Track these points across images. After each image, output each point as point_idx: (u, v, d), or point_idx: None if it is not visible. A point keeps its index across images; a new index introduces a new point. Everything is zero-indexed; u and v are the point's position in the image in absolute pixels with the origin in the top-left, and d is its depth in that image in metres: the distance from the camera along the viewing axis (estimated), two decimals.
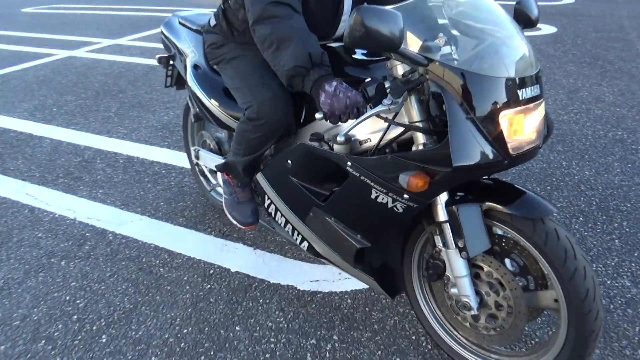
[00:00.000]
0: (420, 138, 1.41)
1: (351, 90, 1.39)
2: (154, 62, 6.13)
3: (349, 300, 2.02)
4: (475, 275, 1.51)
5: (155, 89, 4.98)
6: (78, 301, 2.09)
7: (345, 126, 1.61)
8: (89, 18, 9.74)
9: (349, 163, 1.50)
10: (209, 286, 2.14)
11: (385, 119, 1.42)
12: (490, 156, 1.27)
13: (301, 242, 1.88)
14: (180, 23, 2.38)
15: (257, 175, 1.95)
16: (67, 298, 2.11)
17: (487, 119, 1.26)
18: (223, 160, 2.20)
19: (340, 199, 1.61)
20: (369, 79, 1.40)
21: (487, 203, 1.41)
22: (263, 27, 1.51)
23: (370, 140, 1.58)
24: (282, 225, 1.93)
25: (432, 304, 1.72)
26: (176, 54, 2.41)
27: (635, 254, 2.22)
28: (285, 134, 1.80)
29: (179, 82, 2.64)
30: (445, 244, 1.49)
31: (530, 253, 1.40)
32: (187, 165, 3.24)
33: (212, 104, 2.09)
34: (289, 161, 1.73)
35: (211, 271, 2.24)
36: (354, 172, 1.49)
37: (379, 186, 1.45)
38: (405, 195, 1.40)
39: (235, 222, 2.10)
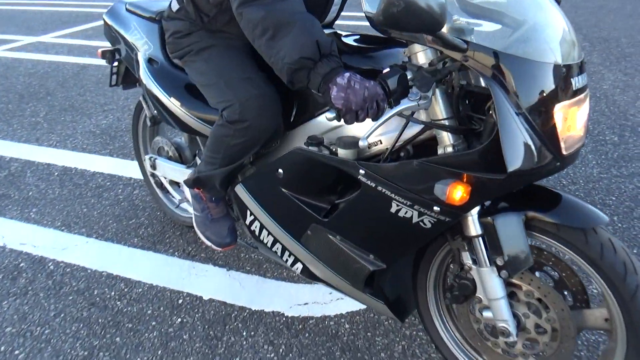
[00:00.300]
0: (446, 139, 1.18)
1: (368, 81, 1.13)
2: (85, 60, 5.57)
3: (346, 325, 1.77)
4: (509, 294, 1.31)
5: (88, 90, 4.48)
6: (17, 352, 1.70)
7: (360, 127, 1.34)
8: (4, 13, 8.84)
9: (361, 171, 1.24)
10: (179, 320, 1.82)
11: (405, 116, 1.18)
12: (547, 158, 1.06)
13: (293, 263, 1.60)
14: (128, 10, 2.02)
15: (235, 187, 1.65)
16: (2, 349, 1.71)
17: (540, 113, 1.05)
18: (189, 171, 1.88)
19: (349, 214, 1.35)
20: (387, 69, 1.15)
21: (529, 212, 1.20)
22: (253, 10, 1.22)
23: (381, 143, 1.33)
24: (269, 244, 1.64)
25: (452, 328, 1.50)
26: (124, 47, 2.04)
27: (635, 251, 2.12)
28: (272, 137, 1.52)
29: (127, 80, 2.28)
30: (477, 261, 1.27)
31: (569, 266, 1.21)
32: (137, 176, 2.85)
33: (173, 104, 1.76)
34: (280, 170, 1.45)
35: (180, 301, 1.91)
36: (369, 182, 1.24)
37: (402, 198, 1.20)
38: (436, 208, 1.17)
39: (209, 244, 1.78)
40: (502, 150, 1.03)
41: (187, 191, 1.81)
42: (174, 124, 1.83)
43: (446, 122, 1.18)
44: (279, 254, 1.63)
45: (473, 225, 1.23)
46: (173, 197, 2.29)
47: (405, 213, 1.22)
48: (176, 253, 2.20)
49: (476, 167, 1.08)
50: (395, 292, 1.52)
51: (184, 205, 2.18)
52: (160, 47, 1.87)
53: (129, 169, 2.96)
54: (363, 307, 1.84)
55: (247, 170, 1.66)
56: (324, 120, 1.42)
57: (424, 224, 1.21)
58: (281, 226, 1.55)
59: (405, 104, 1.11)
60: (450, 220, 1.18)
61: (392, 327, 1.75)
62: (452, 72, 1.14)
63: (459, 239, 1.30)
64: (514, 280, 1.28)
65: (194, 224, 1.81)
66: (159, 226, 2.39)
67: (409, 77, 1.13)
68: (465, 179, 1.09)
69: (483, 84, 1.14)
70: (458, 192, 1.08)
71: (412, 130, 1.26)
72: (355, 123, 1.17)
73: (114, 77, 2.25)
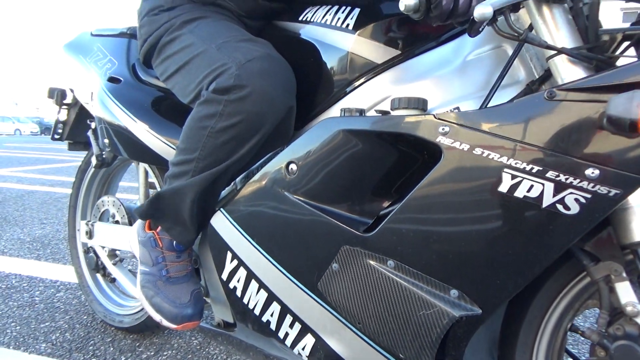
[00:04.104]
0: (565, 71, 0.74)
1: None
2: (34, 187, 5.05)
3: None
4: None
5: (29, 208, 3.88)
6: None
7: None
8: None
9: (444, 128, 0.74)
10: None
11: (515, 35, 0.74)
12: None
13: (298, 339, 0.96)
14: (93, 35, 1.63)
15: (212, 219, 1.08)
16: None
17: None
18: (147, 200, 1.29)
19: (414, 214, 0.79)
20: None
21: None
22: None
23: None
24: (259, 308, 1.01)
25: None
26: (77, 81, 1.60)
27: None
28: (276, 135, 1.02)
29: (75, 134, 1.79)
30: None
31: None
32: (66, 278, 2.16)
33: (140, 128, 1.29)
34: (293, 166, 0.92)
35: None
36: (458, 145, 0.73)
37: (523, 161, 0.69)
38: (592, 171, 0.65)
39: (158, 318, 1.12)
40: None
41: (134, 236, 1.20)
42: (136, 155, 1.34)
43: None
44: (272, 324, 1.00)
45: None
46: (109, 282, 1.63)
47: (529, 190, 0.69)
48: None
49: None
50: None
51: (125, 280, 1.52)
52: (126, 62, 1.46)
53: (57, 272, 2.27)
54: None
55: (231, 197, 1.11)
56: (354, 101, 0.97)
57: (565, 207, 0.68)
58: (284, 266, 0.95)
59: None
60: (616, 195, 0.66)
61: None
62: None
63: (608, 260, 0.75)
64: None
65: (138, 287, 1.15)
66: (82, 331, 1.66)
67: None
68: None
69: None
70: None
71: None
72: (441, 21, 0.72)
73: (59, 126, 1.76)
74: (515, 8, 0.75)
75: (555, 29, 0.75)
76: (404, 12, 0.71)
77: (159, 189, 1.43)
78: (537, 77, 0.84)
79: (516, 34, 0.73)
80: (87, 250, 1.64)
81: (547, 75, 0.82)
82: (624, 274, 0.74)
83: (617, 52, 0.78)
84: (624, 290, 0.74)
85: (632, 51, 0.79)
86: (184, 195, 1.04)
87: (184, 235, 1.11)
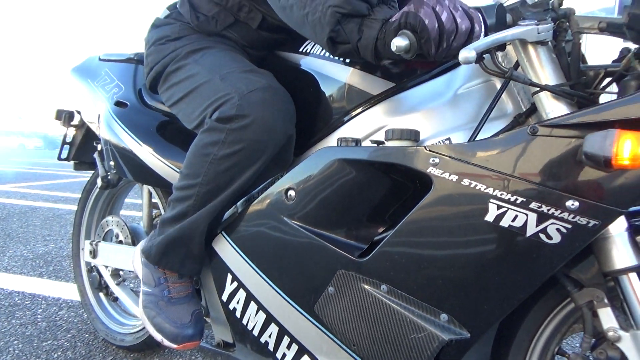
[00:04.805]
0: (549, 106, 0.79)
1: (462, 3, 0.77)
2: (37, 203, 5.10)
3: None
4: None
5: (32, 224, 3.92)
6: None
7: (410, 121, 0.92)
8: None
9: (434, 160, 0.78)
10: None
11: (501, 73, 0.78)
12: None
13: (296, 358, 0.99)
14: (101, 60, 1.69)
15: (212, 241, 1.11)
16: None
17: None
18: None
19: (407, 240, 0.83)
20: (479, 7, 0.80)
21: None
22: None
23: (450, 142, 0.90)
24: (257, 329, 1.04)
25: None
26: (85, 103, 1.66)
27: None
28: (279, 155, 1.06)
29: (81, 155, 1.84)
30: (634, 321, 0.74)
31: None
32: (68, 296, 2.19)
33: (145, 151, 1.34)
34: (291, 192, 0.96)
35: None
36: (447, 176, 0.77)
37: (508, 193, 0.73)
38: (572, 203, 0.69)
39: (160, 337, 1.15)
40: None
41: (137, 257, 1.24)
42: (141, 178, 1.38)
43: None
44: (270, 345, 1.03)
45: (624, 247, 0.74)
46: (111, 301, 1.66)
47: (513, 219, 0.73)
48: None
49: None
50: None
51: (128, 300, 1.55)
52: (132, 87, 1.51)
53: (59, 289, 2.30)
54: None
55: (232, 220, 1.15)
56: (351, 131, 1.02)
57: (548, 236, 0.72)
58: (282, 289, 0.99)
59: (523, 27, 0.73)
60: (596, 226, 0.69)
61: None
62: (570, 17, 0.80)
63: (591, 286, 0.78)
64: None
65: (140, 307, 1.19)
66: (84, 349, 1.69)
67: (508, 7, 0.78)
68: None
69: None
70: (628, 144, 0.63)
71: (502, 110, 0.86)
72: (429, 58, 0.77)
73: (66, 147, 1.81)
74: (501, 47, 0.80)
75: (540, 66, 0.80)
76: (396, 53, 0.75)
77: (162, 212, 1.47)
78: (524, 110, 0.88)
79: (501, 72, 0.77)
80: (91, 269, 1.68)
81: (534, 108, 0.86)
82: (606, 300, 0.77)
83: (600, 87, 0.82)
84: (606, 316, 0.77)
85: (614, 87, 0.84)
86: (194, 234, 1.08)
87: (193, 268, 1.14)
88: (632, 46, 0.80)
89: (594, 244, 0.76)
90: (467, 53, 0.69)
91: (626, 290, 0.75)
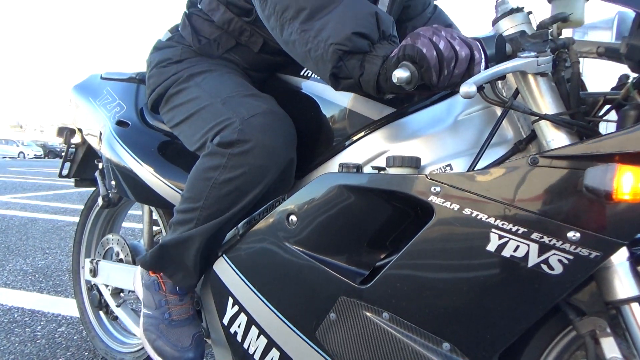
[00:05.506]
0: (549, 134, 0.79)
1: (461, 33, 0.78)
2: (37, 215, 5.09)
3: None
4: None
5: (32, 237, 3.92)
6: None
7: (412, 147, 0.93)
8: None
9: (435, 188, 0.79)
10: None
11: (501, 102, 0.79)
12: None
13: None
14: (103, 78, 1.70)
15: (214, 264, 1.11)
16: None
17: None
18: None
19: (408, 268, 0.83)
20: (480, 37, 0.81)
21: None
22: None
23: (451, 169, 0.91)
24: (259, 353, 1.04)
25: None
26: (88, 122, 1.66)
27: None
28: (280, 179, 1.06)
29: (82, 172, 1.84)
30: (637, 350, 0.74)
31: None
32: (67, 312, 2.18)
33: (146, 171, 1.34)
34: (293, 217, 0.96)
35: None
36: (449, 205, 0.78)
37: (510, 223, 0.73)
38: (573, 234, 0.70)
39: None
40: None
41: (138, 278, 1.24)
42: (138, 194, 1.38)
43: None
44: None
45: (626, 278, 0.75)
46: (111, 320, 1.65)
47: (515, 250, 0.74)
48: None
49: None
50: None
51: (129, 321, 1.55)
52: (134, 106, 1.51)
53: (58, 305, 2.29)
54: None
55: (233, 242, 1.15)
56: (352, 155, 1.02)
57: (549, 267, 0.72)
58: (283, 314, 0.99)
59: (522, 60, 0.74)
60: (598, 257, 0.70)
61: None
62: (569, 47, 0.81)
63: (593, 315, 0.78)
64: None
65: (140, 329, 1.19)
66: None
67: (508, 38, 0.79)
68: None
69: None
70: (629, 178, 0.63)
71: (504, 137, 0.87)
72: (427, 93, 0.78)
73: (67, 164, 1.82)
74: (501, 77, 0.80)
75: (540, 96, 0.80)
76: (398, 85, 0.76)
77: (163, 234, 1.47)
78: (524, 136, 0.89)
79: (501, 102, 0.78)
80: (91, 287, 1.67)
81: (534, 134, 0.87)
82: (608, 330, 0.77)
83: (599, 114, 0.83)
84: (609, 346, 0.77)
85: (613, 113, 0.84)
86: (189, 245, 1.08)
87: (186, 280, 1.14)
88: (632, 73, 0.80)
89: (596, 273, 0.76)
90: (467, 88, 0.69)
91: (628, 320, 0.75)
